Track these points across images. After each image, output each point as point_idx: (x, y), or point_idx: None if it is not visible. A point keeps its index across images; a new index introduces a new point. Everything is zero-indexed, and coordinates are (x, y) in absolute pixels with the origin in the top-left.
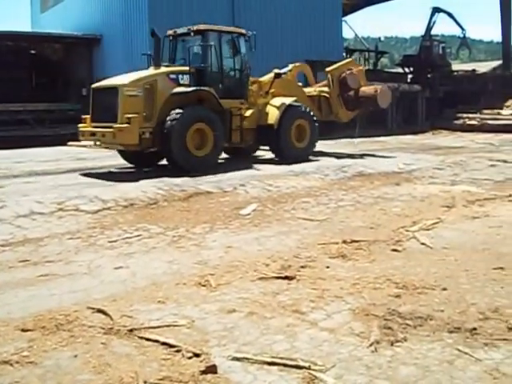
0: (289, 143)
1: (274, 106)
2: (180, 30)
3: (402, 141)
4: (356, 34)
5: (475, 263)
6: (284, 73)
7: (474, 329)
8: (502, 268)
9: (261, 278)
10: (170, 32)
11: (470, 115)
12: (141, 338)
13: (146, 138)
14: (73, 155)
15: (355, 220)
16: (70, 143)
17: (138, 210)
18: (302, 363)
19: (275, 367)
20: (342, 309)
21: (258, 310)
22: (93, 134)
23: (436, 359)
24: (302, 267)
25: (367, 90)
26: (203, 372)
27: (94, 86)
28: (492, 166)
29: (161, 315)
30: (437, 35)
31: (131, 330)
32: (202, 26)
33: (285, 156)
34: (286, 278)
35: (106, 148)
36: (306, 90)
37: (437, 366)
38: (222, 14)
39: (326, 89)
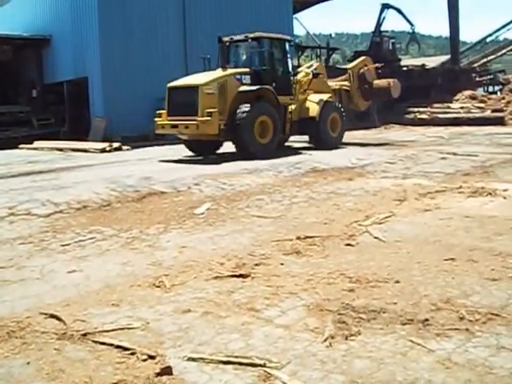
0: (326, 133)
1: (314, 102)
2: (237, 37)
3: (355, 136)
4: (307, 31)
5: (427, 255)
6: (319, 73)
7: (427, 320)
8: (453, 259)
9: (215, 277)
10: (227, 39)
11: (421, 109)
12: (95, 342)
13: (222, 129)
14: (24, 158)
15: (309, 216)
16: (21, 146)
17: (91, 213)
18: (257, 361)
19: (230, 366)
20: (296, 305)
21: (213, 309)
22: (174, 126)
23: (390, 351)
24: (257, 265)
25: (381, 82)
26: (158, 374)
27: (169, 85)
28: (442, 158)
29: (115, 318)
30: (387, 31)
31: (85, 335)
32: (257, 34)
33: (323, 144)
34: (240, 276)
35: (183, 137)
36: (329, 83)
37: (390, 358)
38: (172, 13)
39: (346, 83)
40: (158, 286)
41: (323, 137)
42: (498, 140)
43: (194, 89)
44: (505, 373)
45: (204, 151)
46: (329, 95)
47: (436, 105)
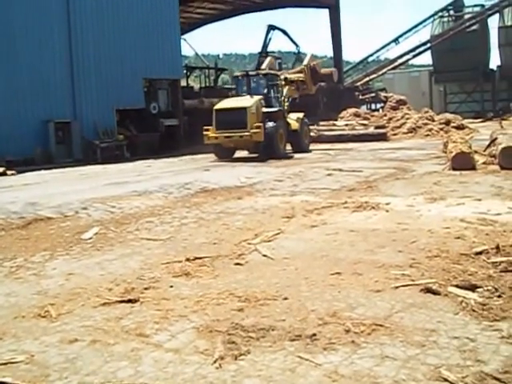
0: (303, 141)
1: (293, 119)
2: (251, 72)
3: (244, 155)
4: (196, 52)
5: (314, 270)
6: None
7: (314, 335)
8: (339, 273)
9: (104, 304)
10: (240, 73)
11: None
12: None
13: None
14: None
15: (198, 237)
16: None
17: None
18: None
19: None
20: (186, 328)
21: (101, 337)
22: (228, 137)
23: (279, 368)
24: (146, 289)
25: (324, 72)
26: None
27: (216, 107)
28: (329, 175)
29: None
30: (273, 51)
31: None
32: (265, 71)
33: (302, 149)
34: (129, 301)
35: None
36: (288, 76)
37: (280, 376)
38: (58, 36)
39: (301, 75)
40: (44, 316)
41: (302, 144)
42: (381, 155)
43: (243, 110)
44: (389, 381)
45: (226, 156)
46: (302, 114)
47: (322, 122)
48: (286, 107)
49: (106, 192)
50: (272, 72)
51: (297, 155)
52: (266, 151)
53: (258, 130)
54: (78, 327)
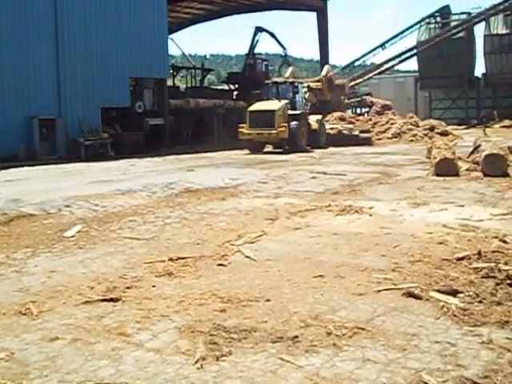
0: (321, 139)
1: (313, 120)
2: (278, 80)
3: (229, 156)
4: (183, 52)
5: (297, 273)
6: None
7: (296, 337)
8: (321, 276)
9: (85, 302)
10: (270, 81)
11: None
12: None
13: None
14: None
15: (182, 237)
16: None
17: None
18: None
19: None
20: (167, 327)
21: (82, 335)
22: (259, 133)
23: (260, 370)
24: (128, 288)
25: (339, 82)
26: None
27: (250, 109)
28: (313, 178)
29: None
30: (260, 54)
31: None
32: (291, 79)
33: (319, 145)
34: (111, 300)
35: (263, 140)
36: (307, 84)
37: (261, 377)
38: (45, 33)
39: (319, 84)
40: (25, 314)
41: (320, 141)
42: (365, 160)
43: (271, 112)
44: None
45: (257, 150)
46: (320, 116)
47: None
48: (306, 110)
49: (90, 190)
50: (297, 80)
51: (282, 157)
52: (290, 146)
53: (283, 129)
54: (59, 325)
